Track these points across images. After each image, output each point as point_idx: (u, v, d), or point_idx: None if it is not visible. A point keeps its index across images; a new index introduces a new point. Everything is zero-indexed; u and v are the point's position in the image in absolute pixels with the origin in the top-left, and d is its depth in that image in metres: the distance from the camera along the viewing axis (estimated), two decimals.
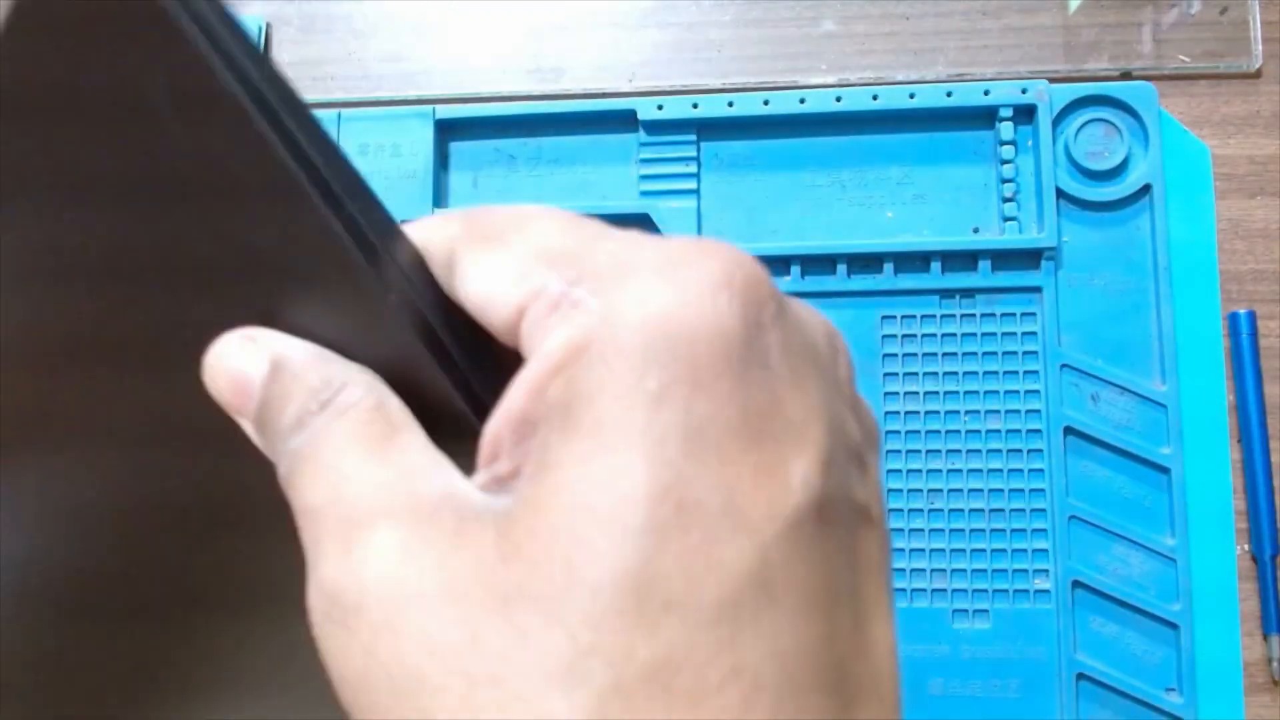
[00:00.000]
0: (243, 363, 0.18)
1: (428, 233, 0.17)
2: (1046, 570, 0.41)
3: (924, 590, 0.41)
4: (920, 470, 0.42)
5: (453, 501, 0.15)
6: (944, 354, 0.42)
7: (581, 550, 0.13)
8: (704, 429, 0.14)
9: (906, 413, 0.42)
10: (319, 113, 0.46)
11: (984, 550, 0.41)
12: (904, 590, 0.41)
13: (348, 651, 0.15)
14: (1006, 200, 0.43)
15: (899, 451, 0.42)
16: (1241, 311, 0.43)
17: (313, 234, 0.16)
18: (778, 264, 0.43)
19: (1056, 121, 0.43)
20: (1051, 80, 0.43)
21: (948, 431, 0.42)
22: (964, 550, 0.41)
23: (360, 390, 0.17)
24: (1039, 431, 0.42)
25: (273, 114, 0.16)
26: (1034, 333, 0.42)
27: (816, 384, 0.15)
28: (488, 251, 0.16)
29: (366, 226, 0.16)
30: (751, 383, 0.14)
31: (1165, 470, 0.41)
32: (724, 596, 0.13)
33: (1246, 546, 0.42)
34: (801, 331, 0.16)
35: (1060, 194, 0.43)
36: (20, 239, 0.20)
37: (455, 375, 0.17)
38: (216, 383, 0.18)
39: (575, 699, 0.13)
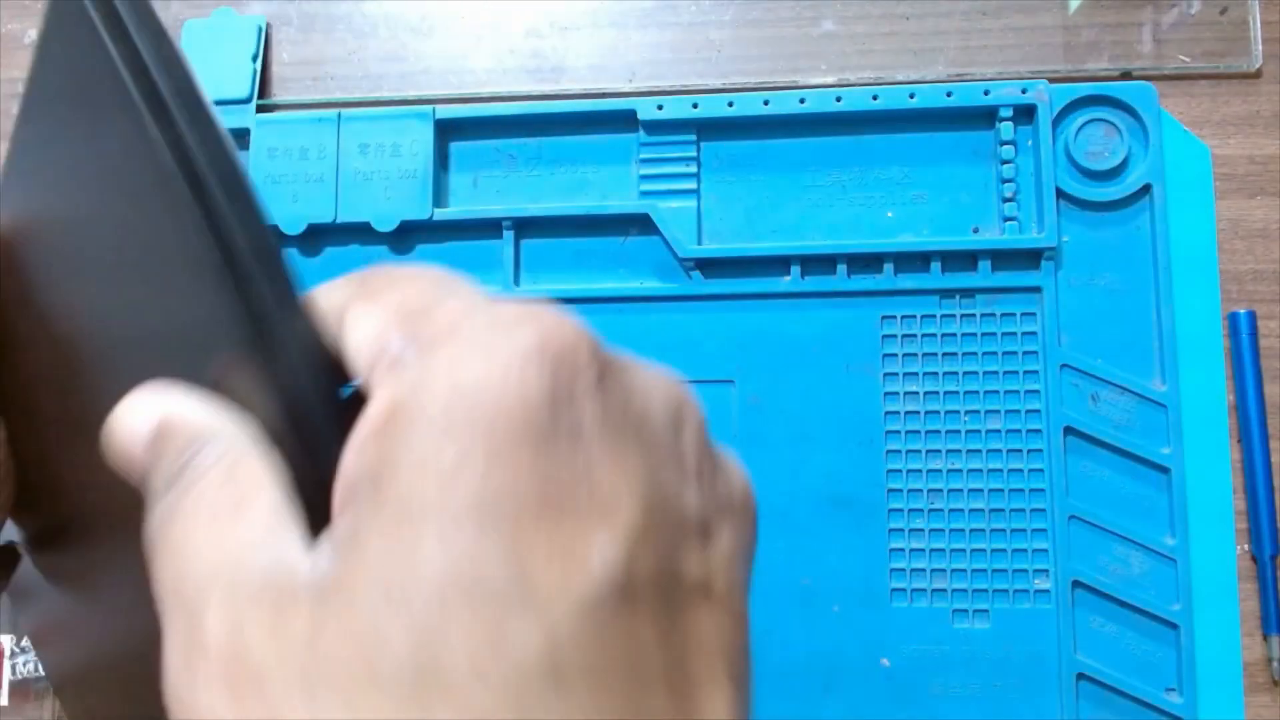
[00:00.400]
0: (133, 422, 0.18)
1: (328, 295, 0.17)
2: (1046, 570, 0.41)
3: (924, 590, 0.41)
4: (920, 470, 0.42)
5: (278, 577, 0.15)
6: (944, 354, 0.42)
7: (375, 632, 0.13)
8: (499, 502, 0.13)
9: (907, 413, 0.42)
10: (320, 113, 0.46)
11: (984, 550, 0.41)
12: (904, 590, 0.41)
13: None
14: (1006, 200, 0.43)
15: (899, 452, 0.42)
16: (1241, 311, 0.43)
17: (210, 306, 0.16)
18: (778, 264, 0.43)
19: (1056, 121, 0.43)
20: (1051, 80, 0.43)
21: (948, 432, 0.42)
22: (964, 550, 0.41)
23: (213, 455, 0.16)
24: (1039, 431, 0.42)
25: (194, 175, 0.16)
26: (1034, 333, 0.42)
27: (638, 456, 0.15)
28: (362, 310, 0.16)
29: (267, 299, 0.16)
30: (556, 455, 0.14)
31: (1165, 470, 0.41)
32: (508, 677, 0.13)
33: (1246, 546, 0.42)
34: (629, 401, 0.15)
35: (1060, 194, 0.43)
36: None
37: (315, 443, 0.16)
38: (109, 447, 0.18)
39: None
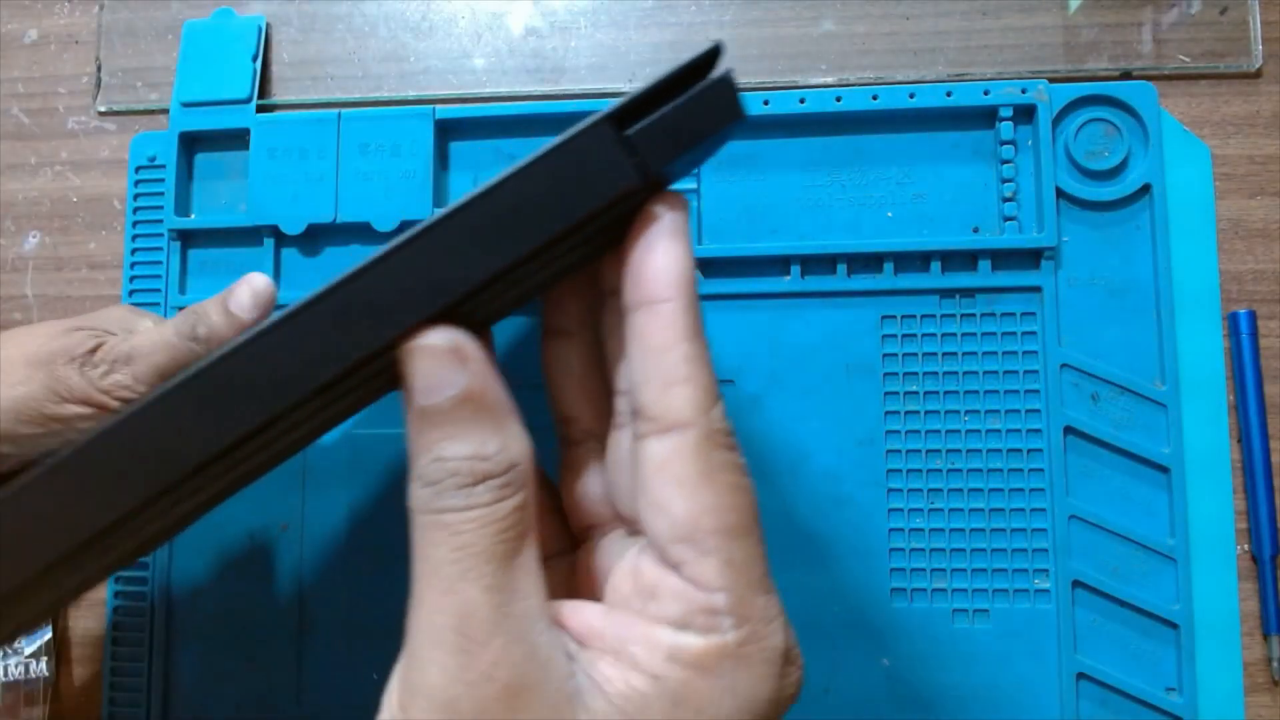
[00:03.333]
0: (445, 364, 0.19)
1: None
2: (1046, 570, 0.41)
3: (924, 590, 0.41)
4: (920, 470, 0.42)
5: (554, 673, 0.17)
6: (944, 354, 0.42)
7: None
8: None
9: (906, 413, 0.42)
10: (320, 113, 0.47)
11: (984, 550, 0.41)
12: (904, 590, 0.41)
13: None
14: (1006, 200, 0.43)
15: (899, 452, 0.42)
16: (1241, 311, 0.43)
17: None
18: (778, 264, 0.43)
19: (1056, 121, 0.43)
20: (1051, 80, 0.43)
21: (948, 431, 0.42)
22: (964, 550, 0.41)
23: (512, 503, 0.18)
24: (1039, 431, 0.42)
25: None
26: (1034, 333, 0.42)
27: None
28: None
29: None
30: None
31: (1165, 470, 0.41)
32: None
33: (1246, 546, 0.42)
34: None
35: (1060, 194, 0.43)
36: None
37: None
38: (417, 362, 0.20)
39: None
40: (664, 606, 0.18)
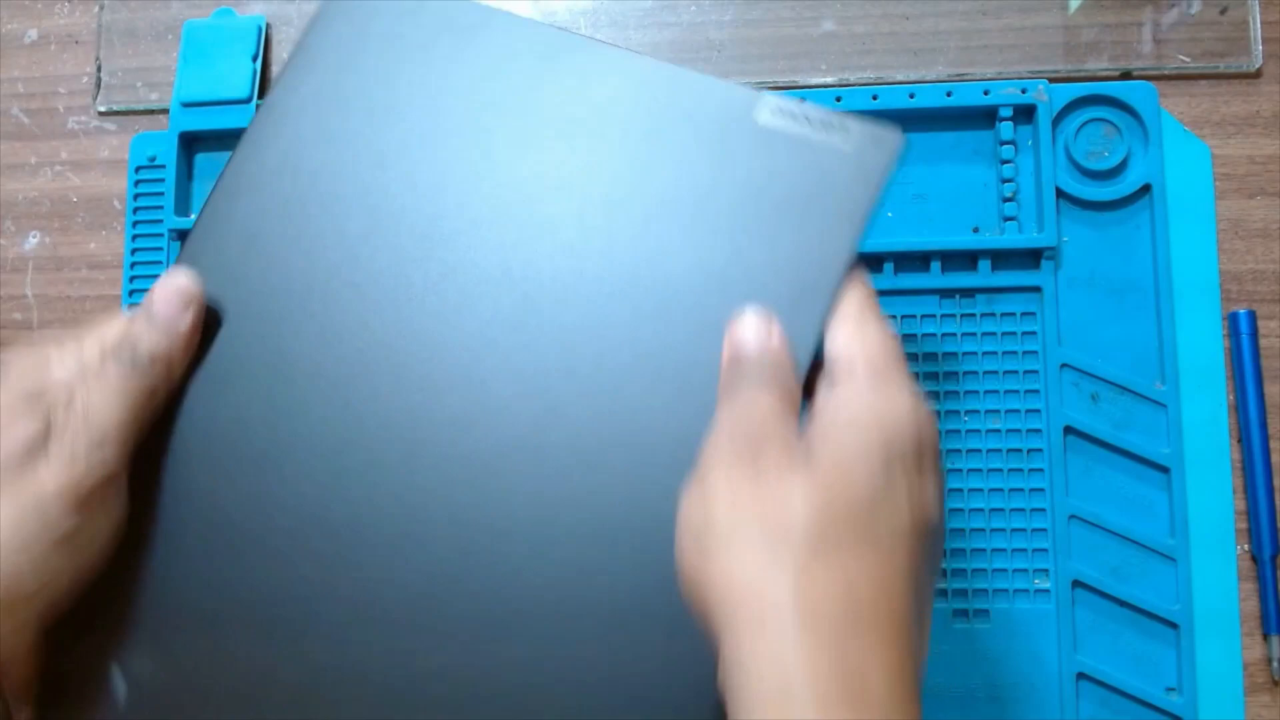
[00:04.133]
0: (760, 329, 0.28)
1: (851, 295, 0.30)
2: (1046, 570, 0.41)
3: None
4: None
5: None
6: (944, 354, 0.42)
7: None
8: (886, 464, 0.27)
9: None
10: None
11: (984, 550, 0.41)
12: None
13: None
14: (1006, 200, 0.43)
15: None
16: (1241, 311, 0.43)
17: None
18: None
19: (1056, 121, 0.43)
20: (1051, 80, 0.43)
21: (948, 432, 0.42)
22: (964, 550, 0.41)
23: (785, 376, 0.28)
24: (1039, 431, 0.42)
25: None
26: (1034, 332, 0.42)
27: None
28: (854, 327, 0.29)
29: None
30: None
31: (1165, 470, 0.41)
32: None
33: (1246, 546, 0.42)
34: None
35: (1060, 194, 0.43)
36: None
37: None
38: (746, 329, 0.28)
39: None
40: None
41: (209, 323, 0.32)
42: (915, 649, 0.24)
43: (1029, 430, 0.42)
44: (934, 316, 0.43)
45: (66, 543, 0.28)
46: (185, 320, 0.31)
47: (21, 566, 0.27)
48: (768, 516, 0.24)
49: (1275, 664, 0.41)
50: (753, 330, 0.28)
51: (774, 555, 0.24)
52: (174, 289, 0.31)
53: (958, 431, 0.42)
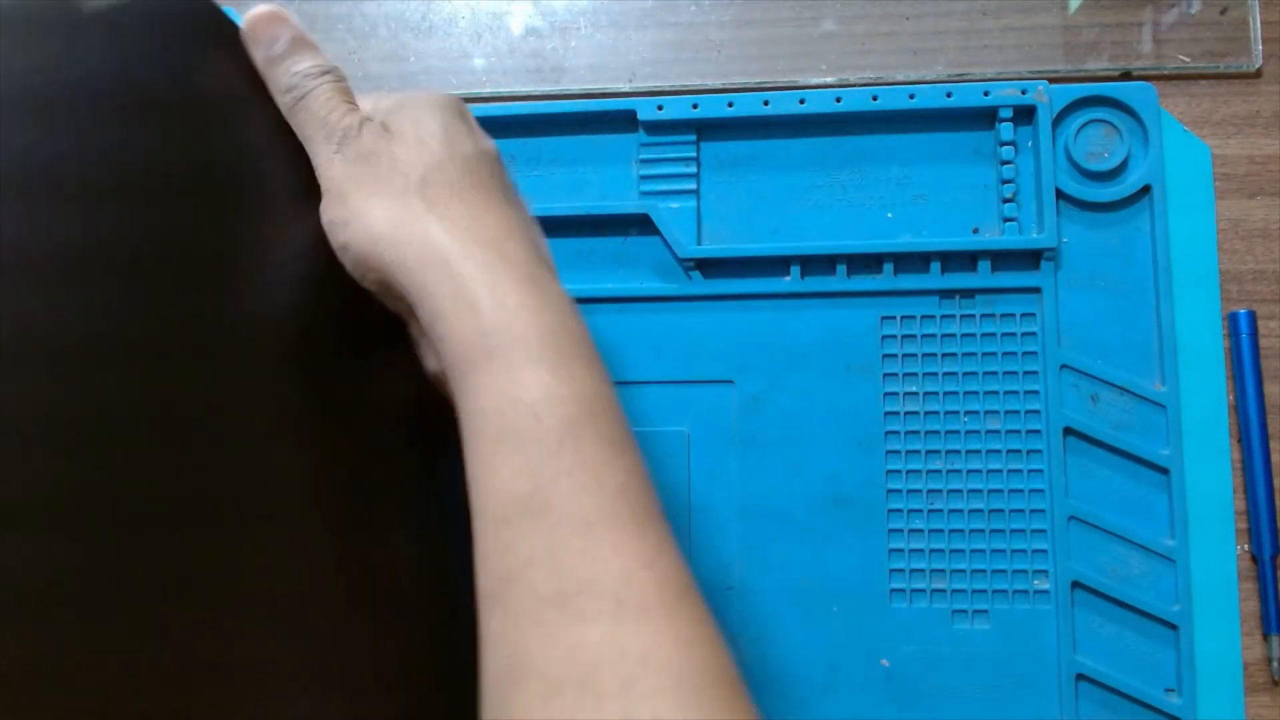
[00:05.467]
0: (275, 29, 0.31)
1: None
2: (1046, 570, 0.41)
3: (924, 590, 0.41)
4: (920, 471, 0.42)
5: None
6: (944, 354, 0.42)
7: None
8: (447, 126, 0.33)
9: (906, 413, 0.42)
10: None
11: (984, 550, 0.41)
12: (904, 591, 0.41)
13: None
14: (1006, 201, 0.43)
15: (898, 452, 0.42)
16: (1241, 311, 0.43)
17: None
18: (777, 264, 0.43)
19: (1056, 122, 0.43)
20: (1051, 80, 0.43)
21: (947, 432, 0.42)
22: (964, 550, 0.41)
23: (344, 82, 0.32)
24: (1039, 432, 0.42)
25: None
26: (1034, 333, 0.42)
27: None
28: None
29: None
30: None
31: (1165, 471, 0.41)
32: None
33: (1246, 546, 0.42)
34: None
35: (1060, 194, 0.43)
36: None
37: None
38: (257, 29, 0.31)
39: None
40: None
41: None
42: (520, 210, 0.33)
43: (1029, 431, 0.42)
44: (934, 317, 0.43)
45: None
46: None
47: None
48: (402, 184, 0.30)
49: (1275, 664, 0.41)
50: (275, 25, 0.32)
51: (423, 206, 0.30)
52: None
53: (957, 432, 0.42)
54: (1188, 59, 0.45)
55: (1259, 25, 0.45)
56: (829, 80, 0.46)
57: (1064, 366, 0.42)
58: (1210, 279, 0.42)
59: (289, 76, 0.31)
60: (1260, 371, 0.42)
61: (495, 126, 0.46)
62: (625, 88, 0.48)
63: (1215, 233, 0.43)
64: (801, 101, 0.44)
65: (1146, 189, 0.42)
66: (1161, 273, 0.42)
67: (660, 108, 0.45)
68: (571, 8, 0.49)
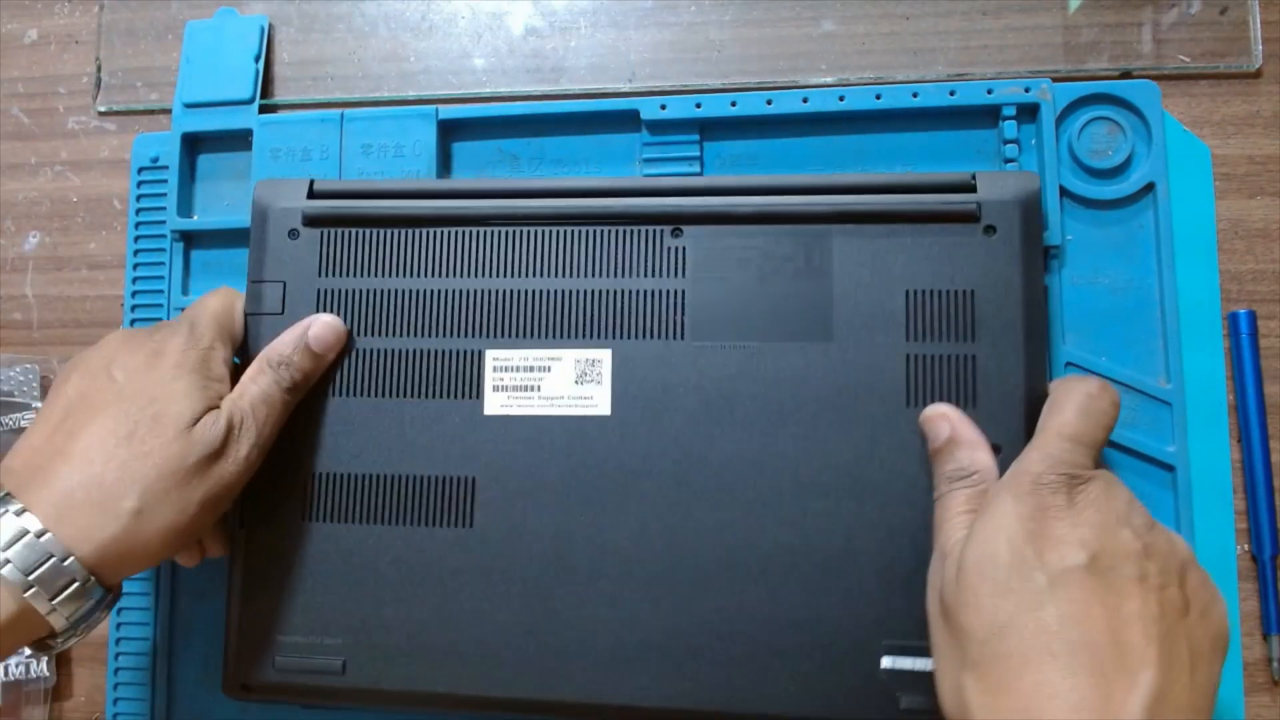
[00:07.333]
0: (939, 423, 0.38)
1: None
2: None
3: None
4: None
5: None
6: None
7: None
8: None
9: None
10: (323, 113, 0.47)
11: None
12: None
13: None
14: None
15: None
16: (1241, 311, 0.43)
17: None
18: None
19: (1060, 120, 0.43)
20: (1051, 80, 0.43)
21: None
22: None
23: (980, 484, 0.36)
24: None
25: None
26: None
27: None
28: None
29: None
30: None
31: (1170, 468, 0.41)
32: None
33: (1246, 546, 0.42)
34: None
35: (1063, 192, 0.43)
36: None
37: None
38: (933, 425, 0.38)
39: None
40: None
41: None
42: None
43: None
44: None
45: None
46: (332, 356, 0.41)
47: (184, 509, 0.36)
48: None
49: (1275, 664, 0.41)
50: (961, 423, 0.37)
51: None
52: (335, 326, 0.41)
53: None
54: (1188, 59, 0.45)
55: (1259, 25, 0.45)
56: (829, 80, 0.46)
57: (1068, 364, 0.42)
58: (1210, 278, 0.42)
59: (950, 466, 0.37)
60: (1260, 371, 0.42)
61: (498, 127, 0.46)
62: (625, 88, 0.48)
63: (1215, 232, 0.43)
64: (805, 100, 0.44)
65: (1150, 187, 0.42)
66: (1165, 271, 0.42)
67: (663, 107, 0.45)
68: (571, 8, 0.49)
